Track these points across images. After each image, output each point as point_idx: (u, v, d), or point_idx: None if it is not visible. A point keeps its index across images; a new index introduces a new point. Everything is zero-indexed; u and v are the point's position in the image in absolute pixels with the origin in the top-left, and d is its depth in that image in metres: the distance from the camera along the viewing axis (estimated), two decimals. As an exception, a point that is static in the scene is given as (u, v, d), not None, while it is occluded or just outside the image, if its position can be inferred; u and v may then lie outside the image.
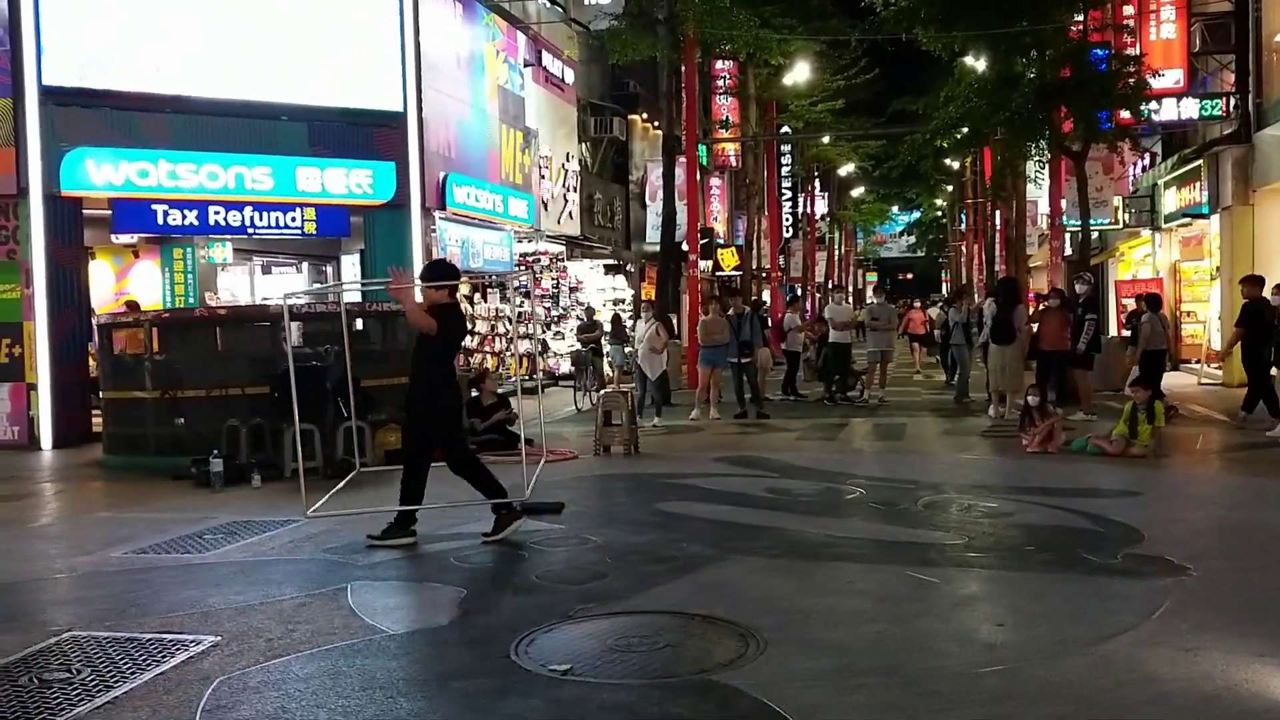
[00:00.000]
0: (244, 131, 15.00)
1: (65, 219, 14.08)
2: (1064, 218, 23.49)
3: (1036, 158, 22.18)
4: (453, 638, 5.03)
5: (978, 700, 4.16)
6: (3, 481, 10.85)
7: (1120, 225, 24.71)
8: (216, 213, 14.78)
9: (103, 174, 13.95)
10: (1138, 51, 18.74)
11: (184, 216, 14.63)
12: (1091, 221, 19.28)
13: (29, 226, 13.75)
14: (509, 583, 5.99)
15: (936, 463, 10.71)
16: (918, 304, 30.44)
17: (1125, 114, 18.29)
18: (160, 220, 14.53)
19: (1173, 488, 9.07)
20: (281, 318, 9.52)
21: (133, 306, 14.41)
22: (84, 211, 14.36)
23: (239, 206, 14.90)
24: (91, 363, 14.57)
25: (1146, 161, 24.34)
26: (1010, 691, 4.26)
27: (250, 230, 15.17)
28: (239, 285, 18.53)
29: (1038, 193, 28.83)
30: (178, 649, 4.93)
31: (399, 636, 5.10)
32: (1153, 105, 18.59)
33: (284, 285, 17.82)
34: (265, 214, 15.13)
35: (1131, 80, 17.42)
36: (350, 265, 18.55)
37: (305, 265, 19.72)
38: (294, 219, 15.38)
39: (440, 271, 7.46)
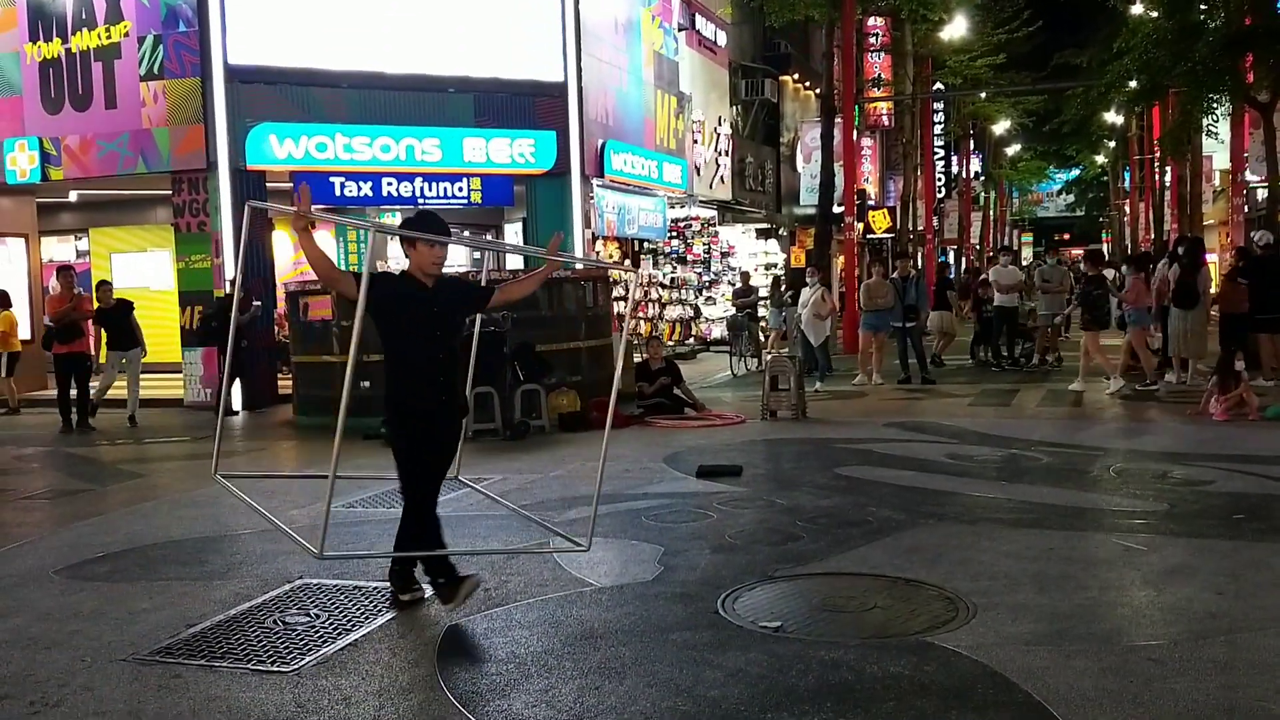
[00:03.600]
0: (413, 105, 15.46)
1: (250, 191, 14.74)
2: (1245, 172, 22.23)
3: (1219, 109, 21.03)
4: (660, 592, 5.17)
5: (1204, 669, 4.07)
6: (205, 440, 11.57)
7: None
8: (389, 184, 15.33)
9: (284, 148, 14.60)
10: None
11: (359, 188, 15.23)
12: (1279, 177, 18.22)
13: (218, 199, 14.53)
14: (704, 541, 6.11)
15: (1120, 429, 10.40)
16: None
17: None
18: (338, 192, 15.14)
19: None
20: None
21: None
22: (266, 185, 15.09)
23: (410, 178, 15.41)
24: (276, 329, 15.38)
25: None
26: (1237, 661, 4.16)
27: (420, 200, 15.64)
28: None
29: (1216, 147, 27.32)
30: (403, 597, 5.22)
31: (608, 589, 5.27)
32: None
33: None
34: (434, 184, 15.60)
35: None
36: (513, 233, 18.95)
37: (466, 234, 20.16)
38: (461, 189, 15.82)
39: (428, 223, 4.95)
